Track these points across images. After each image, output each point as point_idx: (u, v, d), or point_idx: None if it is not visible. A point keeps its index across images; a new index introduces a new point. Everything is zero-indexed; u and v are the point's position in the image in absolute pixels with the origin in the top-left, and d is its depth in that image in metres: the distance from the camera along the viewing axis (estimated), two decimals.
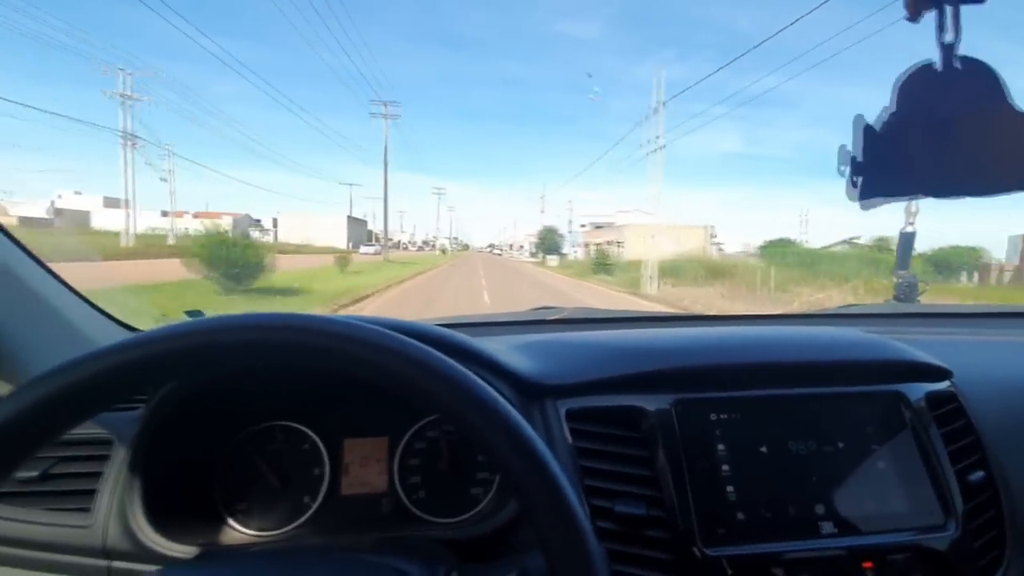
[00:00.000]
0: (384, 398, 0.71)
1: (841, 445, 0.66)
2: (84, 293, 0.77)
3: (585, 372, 0.70)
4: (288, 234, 56.47)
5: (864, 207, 0.48)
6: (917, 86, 0.44)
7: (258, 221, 57.67)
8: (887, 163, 0.46)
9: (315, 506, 0.70)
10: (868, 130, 0.45)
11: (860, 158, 0.46)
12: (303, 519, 0.69)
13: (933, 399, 0.71)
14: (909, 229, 1.40)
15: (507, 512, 0.62)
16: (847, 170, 0.47)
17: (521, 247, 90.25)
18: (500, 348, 0.72)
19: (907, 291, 1.46)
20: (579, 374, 0.70)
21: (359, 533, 0.67)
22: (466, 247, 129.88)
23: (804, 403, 0.68)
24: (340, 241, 55.22)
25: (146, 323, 0.85)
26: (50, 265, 0.72)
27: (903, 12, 0.45)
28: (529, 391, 0.68)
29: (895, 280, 1.48)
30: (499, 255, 79.24)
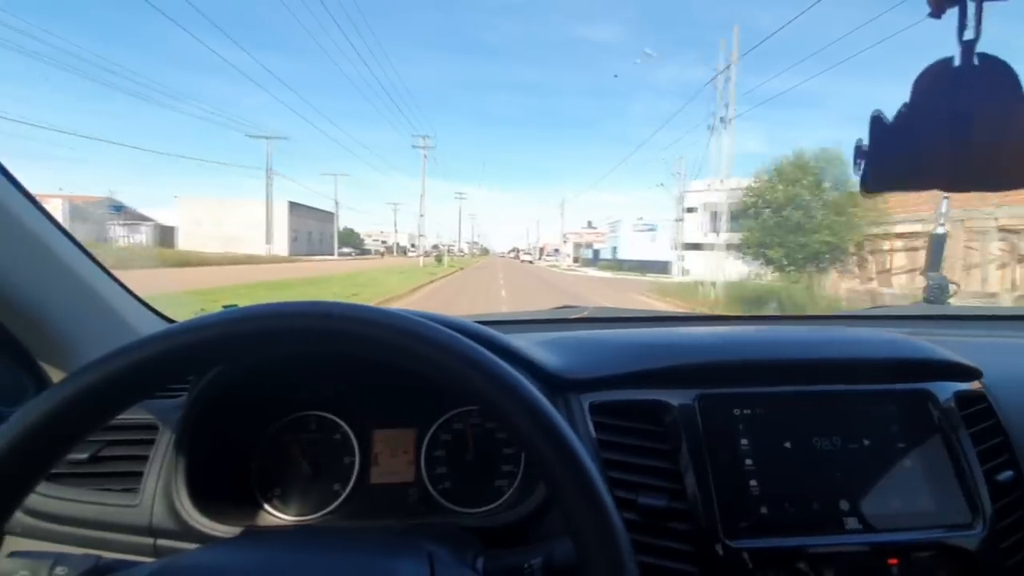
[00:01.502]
0: (412, 391, 0.74)
1: (867, 442, 0.66)
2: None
3: (609, 367, 0.71)
4: (193, 231, 35.90)
5: (869, 191, 0.49)
6: (933, 81, 0.45)
7: (119, 208, 27.77)
8: (895, 154, 0.46)
9: (345, 493, 0.73)
10: (877, 121, 0.45)
11: (870, 150, 0.46)
12: (334, 506, 0.72)
13: (962, 398, 0.70)
14: (940, 231, 1.37)
15: (531, 503, 0.64)
16: (862, 163, 0.48)
17: (556, 251, 79.67)
18: (526, 344, 0.74)
19: (937, 293, 1.44)
20: (603, 368, 0.71)
21: (387, 520, 0.69)
22: (486, 252, 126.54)
23: (829, 400, 0.68)
24: (279, 242, 38.99)
25: (185, 315, 0.90)
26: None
27: (926, 9, 0.45)
28: (553, 385, 0.69)
29: (927, 282, 1.45)
30: (527, 262, 64.61)
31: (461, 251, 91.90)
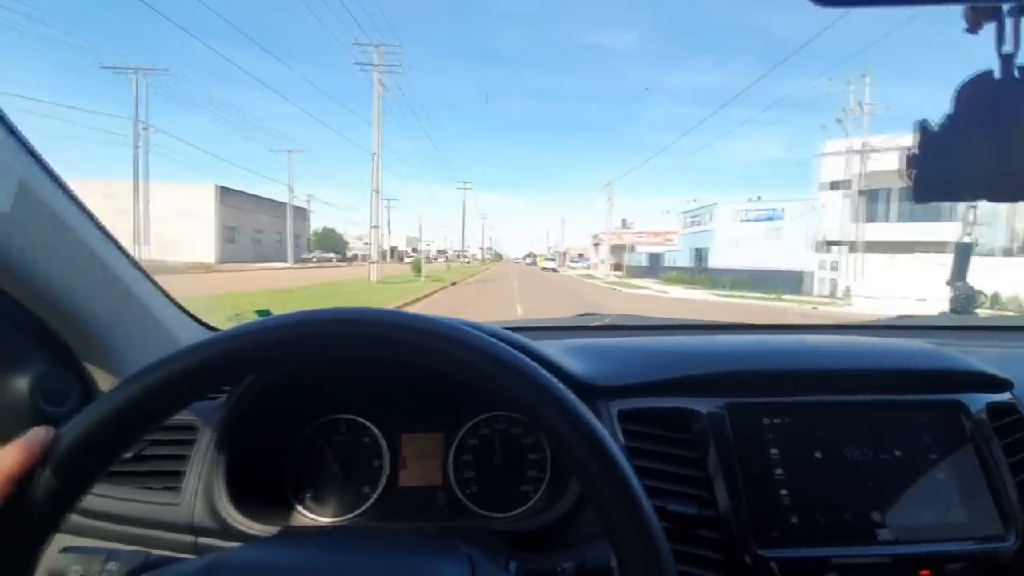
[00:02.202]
0: (440, 396, 0.76)
1: (898, 453, 0.66)
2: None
3: (637, 374, 0.71)
4: None
5: (919, 201, 0.50)
6: (975, 93, 0.45)
7: None
8: (942, 163, 0.47)
9: (375, 496, 0.74)
10: (924, 128, 0.46)
11: (919, 158, 0.47)
12: (364, 508, 0.73)
13: (994, 410, 0.70)
14: (967, 240, 1.36)
15: (558, 509, 0.64)
16: (913, 173, 0.48)
17: (581, 256, 69.13)
18: (552, 351, 0.75)
19: (964, 303, 1.41)
20: (631, 376, 0.71)
21: (416, 523, 0.70)
22: (499, 257, 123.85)
23: (860, 410, 0.68)
24: (203, 243, 30.42)
25: (220, 321, 0.92)
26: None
27: (963, 25, 0.46)
28: (582, 392, 0.70)
29: (951, 292, 1.43)
30: (550, 270, 52.86)
31: (465, 256, 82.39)
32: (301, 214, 44.96)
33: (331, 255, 54.01)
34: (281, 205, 39.40)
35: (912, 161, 0.47)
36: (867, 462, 0.65)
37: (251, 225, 37.64)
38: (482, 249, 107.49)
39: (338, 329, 0.38)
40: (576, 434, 0.37)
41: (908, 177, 0.48)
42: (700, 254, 28.89)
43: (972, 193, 0.50)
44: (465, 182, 64.91)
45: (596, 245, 57.96)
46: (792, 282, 17.35)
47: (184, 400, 0.38)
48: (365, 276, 19.95)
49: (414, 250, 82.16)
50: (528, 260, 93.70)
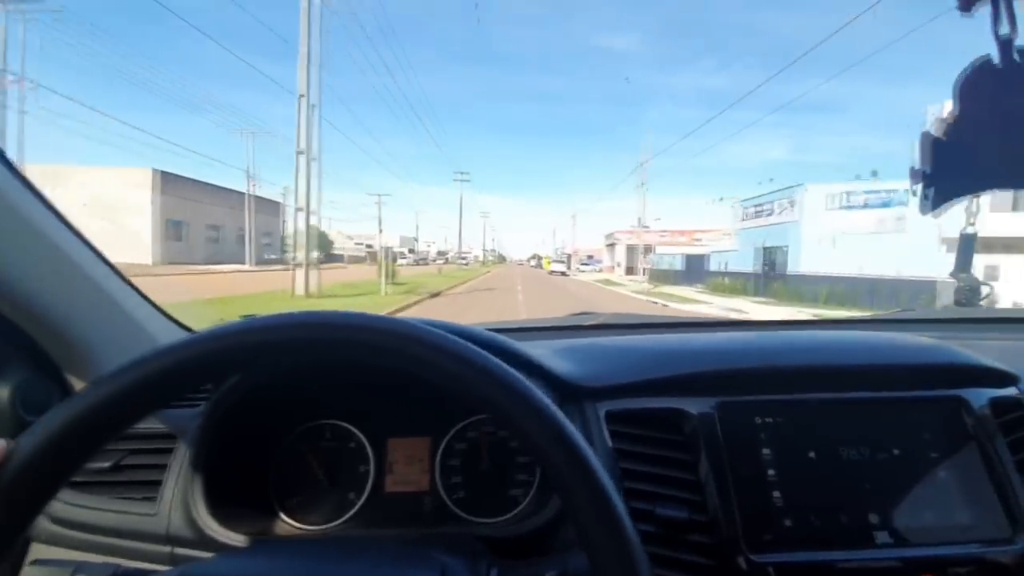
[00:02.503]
0: (427, 400, 0.74)
1: (897, 452, 0.63)
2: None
3: (625, 374, 0.70)
4: None
5: (936, 215, 0.48)
6: (978, 84, 0.44)
7: None
8: (955, 167, 0.45)
9: (360, 502, 0.73)
10: (933, 142, 0.45)
11: (928, 170, 0.46)
12: (349, 515, 0.72)
13: (998, 405, 0.67)
14: (970, 230, 1.32)
15: (546, 514, 0.62)
16: (919, 188, 0.46)
17: (590, 258, 61.26)
18: (542, 352, 0.73)
19: (968, 295, 1.38)
20: (619, 376, 0.70)
21: (402, 530, 0.69)
22: (502, 260, 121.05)
23: (856, 408, 0.66)
24: (134, 241, 23.93)
25: (203, 326, 0.91)
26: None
27: (954, 4, 0.43)
28: (568, 393, 0.68)
29: (955, 283, 1.40)
30: (559, 273, 44.77)
31: (463, 258, 70.20)
32: (272, 208, 38.21)
33: (315, 255, 48.35)
34: (239, 195, 32.90)
35: (919, 177, 0.46)
36: (864, 462, 0.63)
37: (205, 220, 31.44)
38: (484, 251, 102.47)
39: (296, 334, 0.37)
40: (544, 434, 0.36)
41: (915, 194, 0.47)
42: (771, 255, 20.47)
43: (988, 184, 0.48)
44: (462, 173, 58.27)
45: (611, 246, 51.91)
46: (917, 294, 11.39)
47: (147, 407, 0.37)
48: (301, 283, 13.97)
49: (410, 251, 76.68)
50: (533, 262, 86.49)
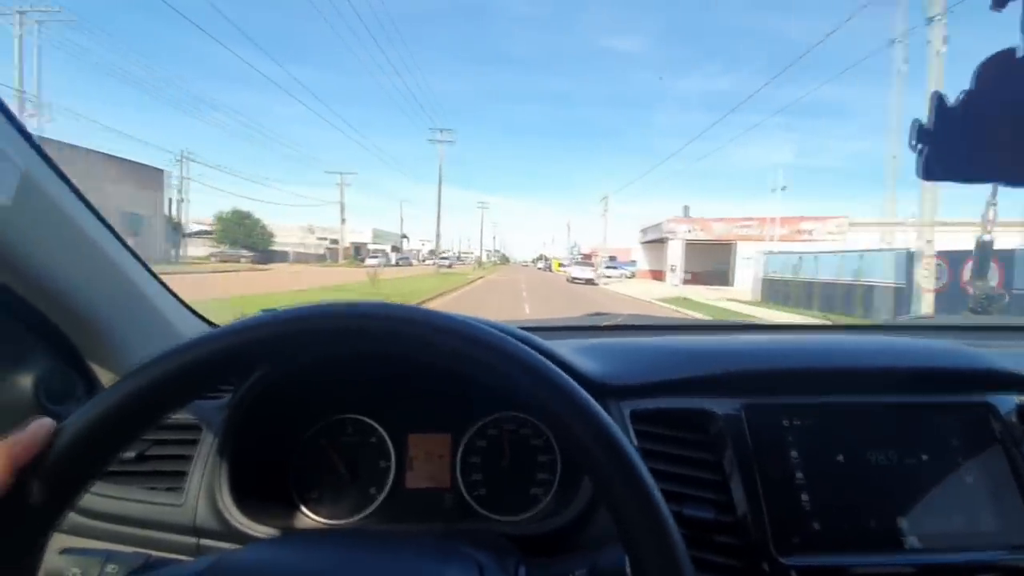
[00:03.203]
0: (448, 396, 0.74)
1: (925, 457, 0.63)
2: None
3: (650, 374, 0.69)
4: None
5: (926, 178, 0.46)
6: (996, 70, 0.43)
7: None
8: (956, 140, 0.44)
9: (381, 498, 0.73)
10: (940, 101, 0.45)
11: (928, 125, 0.45)
12: (370, 510, 0.72)
13: None
14: (987, 237, 1.32)
15: (568, 513, 0.62)
16: (917, 145, 0.45)
17: (612, 259, 40.31)
18: (564, 350, 0.73)
19: (984, 303, 1.38)
20: (644, 375, 0.69)
21: (423, 525, 0.69)
22: (505, 260, 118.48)
23: (884, 412, 0.66)
24: None
25: (226, 319, 0.91)
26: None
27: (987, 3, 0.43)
28: (594, 391, 0.68)
29: (972, 291, 1.39)
30: (583, 281, 29.41)
31: (444, 257, 51.08)
32: (155, 178, 26.60)
33: (244, 254, 36.70)
34: (141, 167, 24.13)
35: (923, 134, 0.45)
36: (891, 466, 0.62)
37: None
38: (486, 250, 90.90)
39: (342, 324, 0.37)
40: (590, 434, 0.36)
41: (915, 150, 0.46)
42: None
43: (985, 175, 0.47)
44: (443, 130, 37.63)
45: (655, 242, 35.78)
46: None
47: (187, 395, 0.37)
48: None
49: (394, 248, 63.82)
50: (541, 264, 75.67)
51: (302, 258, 45.32)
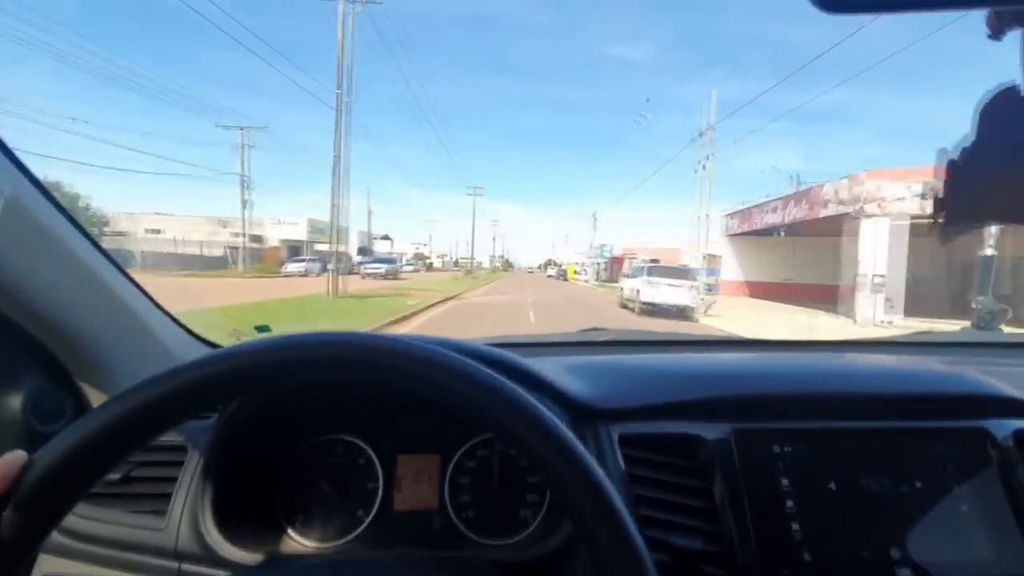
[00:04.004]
0: (437, 416, 0.73)
1: (919, 484, 0.62)
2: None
3: (639, 396, 0.69)
4: None
5: (945, 237, 0.46)
6: (999, 112, 0.43)
7: None
8: (969, 194, 0.44)
9: (368, 520, 0.72)
10: (951, 167, 0.45)
11: (942, 194, 0.45)
12: (357, 533, 0.71)
13: (1022, 437, 0.65)
14: (988, 252, 1.30)
15: (555, 540, 0.61)
16: (942, 216, 0.46)
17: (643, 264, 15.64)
18: (552, 369, 0.72)
19: (988, 318, 1.36)
20: (633, 398, 0.69)
21: (410, 549, 0.68)
22: (509, 266, 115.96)
23: (877, 437, 0.65)
24: None
25: (219, 337, 0.91)
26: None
27: (985, 31, 0.43)
28: (581, 414, 0.67)
29: (974, 307, 1.37)
30: (678, 307, 12.66)
31: (410, 262, 44.45)
32: None
33: None
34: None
35: (939, 204, 0.46)
36: (885, 494, 0.61)
37: None
38: (488, 255, 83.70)
39: (316, 354, 0.37)
40: (559, 460, 0.36)
41: (936, 219, 0.46)
42: None
43: (1001, 218, 0.47)
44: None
45: (769, 232, 19.80)
46: None
47: (164, 426, 0.37)
48: None
49: (361, 251, 41.20)
50: (552, 271, 60.02)
51: (164, 262, 26.47)
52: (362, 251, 41.67)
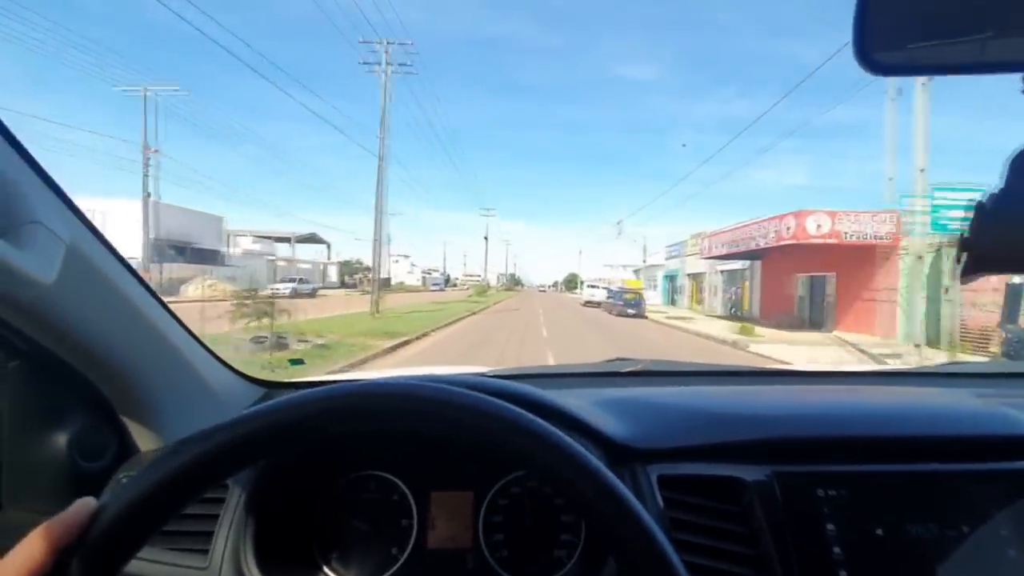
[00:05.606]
0: (471, 453, 0.73)
1: (967, 529, 0.60)
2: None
3: (677, 437, 0.68)
4: None
5: (964, 283, 0.47)
6: None
7: None
8: (996, 240, 0.45)
9: (402, 559, 0.71)
10: (980, 209, 0.45)
11: (970, 241, 0.46)
12: (391, 571, 0.71)
13: None
14: (1018, 280, 1.29)
15: None
16: (965, 257, 0.46)
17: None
18: (583, 405, 0.72)
19: (1018, 348, 1.34)
20: (671, 438, 0.68)
21: None
22: (517, 283, 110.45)
23: (922, 481, 0.64)
24: None
25: (254, 371, 0.92)
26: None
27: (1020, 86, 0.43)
28: (617, 455, 0.67)
29: (1003, 335, 1.36)
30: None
31: (287, 280, 28.11)
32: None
33: None
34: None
35: (965, 244, 0.46)
36: (933, 540, 0.60)
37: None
38: (500, 275, 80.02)
39: (371, 404, 0.38)
40: (608, 507, 0.35)
41: (959, 261, 0.46)
42: None
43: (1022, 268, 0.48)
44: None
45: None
46: None
47: (226, 474, 0.37)
48: None
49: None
50: (593, 294, 30.70)
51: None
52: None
